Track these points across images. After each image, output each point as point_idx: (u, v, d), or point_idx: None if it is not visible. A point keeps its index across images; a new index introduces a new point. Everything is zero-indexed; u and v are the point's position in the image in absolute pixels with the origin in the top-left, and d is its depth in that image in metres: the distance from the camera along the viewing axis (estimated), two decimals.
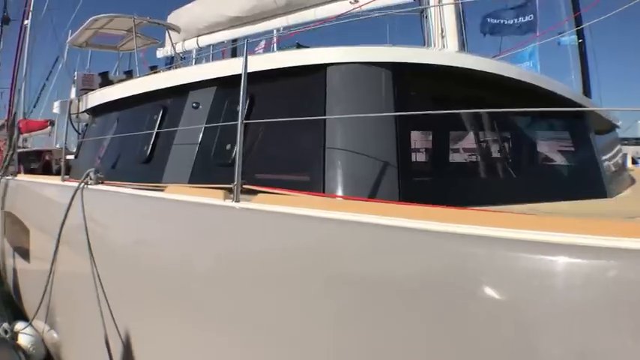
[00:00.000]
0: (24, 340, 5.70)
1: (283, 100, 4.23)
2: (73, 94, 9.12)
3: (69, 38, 9.66)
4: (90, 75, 9.35)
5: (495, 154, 4.25)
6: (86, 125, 8.13)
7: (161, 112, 5.36)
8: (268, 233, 2.78)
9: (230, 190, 3.09)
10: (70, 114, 9.27)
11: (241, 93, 3.20)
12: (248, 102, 4.34)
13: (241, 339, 2.77)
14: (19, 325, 5.90)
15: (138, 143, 5.42)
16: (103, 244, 3.98)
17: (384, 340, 2.07)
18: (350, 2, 9.48)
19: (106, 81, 8.61)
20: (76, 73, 9.25)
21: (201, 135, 4.61)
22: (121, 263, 3.77)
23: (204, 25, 10.80)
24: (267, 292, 2.64)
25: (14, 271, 6.84)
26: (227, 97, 4.53)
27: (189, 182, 4.10)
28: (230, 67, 4.53)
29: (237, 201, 3.00)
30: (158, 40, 10.33)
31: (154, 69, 9.55)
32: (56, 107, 9.73)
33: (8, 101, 21.91)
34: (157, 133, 5.25)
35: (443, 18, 8.24)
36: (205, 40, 11.17)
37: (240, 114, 3.15)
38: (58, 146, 19.33)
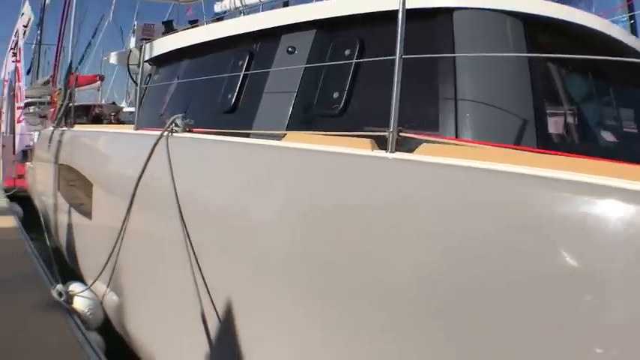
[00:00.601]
0: (80, 303, 5.18)
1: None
2: (132, 44, 8.53)
3: None
4: (150, 25, 8.76)
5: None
6: (149, 76, 7.53)
7: (247, 58, 4.72)
8: (433, 189, 2.10)
9: (377, 140, 2.44)
10: (129, 65, 8.75)
11: (399, 22, 2.51)
12: (358, 47, 3.74)
13: (411, 314, 2.09)
14: (75, 287, 5.38)
15: (219, 91, 4.80)
16: (196, 201, 3.36)
17: None
18: None
19: (170, 30, 7.97)
20: (135, 23, 8.64)
21: (299, 82, 3.98)
22: (221, 225, 3.14)
23: None
24: (433, 264, 1.98)
25: (70, 228, 6.30)
26: (329, 42, 3.98)
27: None
28: (334, 8, 4.00)
29: (393, 151, 2.33)
30: None
31: (193, 23, 8.89)
32: (113, 58, 9.17)
33: (54, 56, 21.74)
34: (242, 80, 4.62)
35: None
36: None
37: (398, 48, 2.48)
38: (104, 101, 19.08)
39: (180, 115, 3.75)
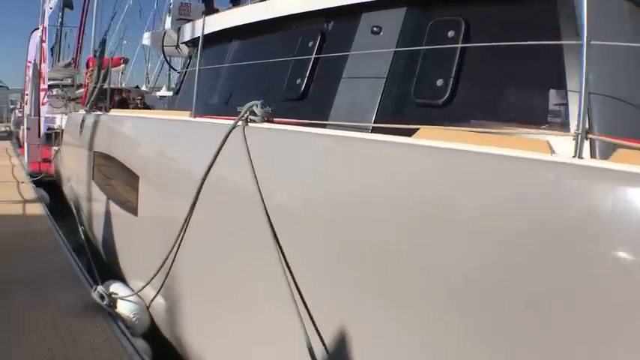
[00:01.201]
0: (125, 308, 4.71)
1: (506, 28, 3.18)
2: (167, 24, 8.01)
3: None
4: (187, 4, 8.20)
5: None
6: (189, 58, 6.99)
7: (318, 39, 4.19)
8: None
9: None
10: (163, 45, 8.23)
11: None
12: (463, 30, 3.23)
13: None
14: (117, 289, 4.91)
15: (284, 76, 4.28)
16: (279, 200, 2.86)
17: None
18: None
19: (211, 11, 7.42)
20: (171, 1, 8.09)
21: (389, 67, 3.46)
22: (316, 229, 2.64)
23: None
24: None
25: (108, 222, 5.81)
26: (426, 21, 3.47)
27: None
28: None
29: (580, 156, 1.81)
30: None
31: (235, 3, 8.35)
32: (146, 39, 8.64)
33: (77, 38, 21.30)
34: (313, 64, 4.10)
35: None
36: None
37: (584, 32, 1.96)
38: (123, 85, 18.61)
39: (257, 102, 3.23)
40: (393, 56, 3.48)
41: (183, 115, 4.32)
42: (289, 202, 2.88)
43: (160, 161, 4.37)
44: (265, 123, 3.25)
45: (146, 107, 10.77)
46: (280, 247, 2.72)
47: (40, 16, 11.73)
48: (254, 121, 3.24)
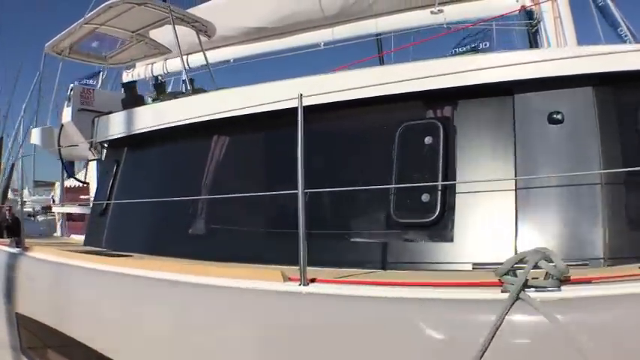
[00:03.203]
0: None
1: None
2: (66, 116, 6.04)
3: (50, 42, 6.49)
4: (88, 90, 6.34)
5: None
6: (116, 163, 5.07)
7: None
8: None
9: None
10: (60, 147, 6.16)
11: None
12: None
13: None
14: None
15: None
16: None
17: None
18: (432, 12, 7.42)
19: (132, 98, 5.67)
20: (71, 85, 6.19)
21: None
22: None
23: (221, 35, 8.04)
24: None
25: None
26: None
27: None
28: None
29: None
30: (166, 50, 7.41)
31: (158, 86, 6.74)
32: (35, 137, 6.47)
33: None
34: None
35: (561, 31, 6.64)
36: (217, 55, 8.44)
37: None
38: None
39: (544, 250, 1.82)
40: None
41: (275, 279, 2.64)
42: None
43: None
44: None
45: (17, 224, 8.14)
46: None
47: None
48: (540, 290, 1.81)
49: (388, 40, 8.28)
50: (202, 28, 6.78)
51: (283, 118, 3.20)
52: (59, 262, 3.90)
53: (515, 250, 2.77)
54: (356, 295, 2.30)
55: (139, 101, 5.52)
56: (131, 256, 3.95)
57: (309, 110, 2.68)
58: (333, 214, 3.55)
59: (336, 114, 3.44)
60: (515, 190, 2.88)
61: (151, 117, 4.40)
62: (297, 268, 2.50)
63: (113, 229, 4.78)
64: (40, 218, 12.88)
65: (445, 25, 7.39)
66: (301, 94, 2.63)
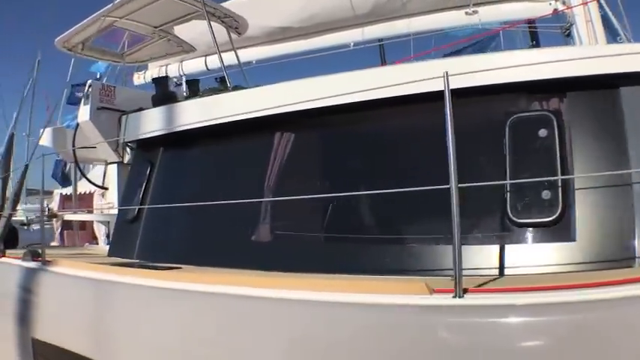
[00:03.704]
0: None
1: None
2: (84, 115, 5.46)
3: (61, 36, 5.90)
4: (110, 87, 5.75)
5: None
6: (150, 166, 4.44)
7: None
8: None
9: None
10: (74, 148, 5.55)
11: None
12: None
13: None
14: None
15: None
16: None
17: None
18: (466, 13, 7.11)
19: (165, 95, 5.10)
20: (89, 82, 5.59)
21: None
22: None
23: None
24: None
25: None
26: None
27: None
28: None
29: None
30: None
31: (191, 84, 6.12)
32: (46, 138, 5.86)
33: None
34: None
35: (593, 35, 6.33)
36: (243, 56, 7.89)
37: None
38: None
39: None
40: None
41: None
42: None
43: None
44: None
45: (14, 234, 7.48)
46: None
47: None
48: None
49: (419, 41, 7.90)
50: (234, 24, 6.20)
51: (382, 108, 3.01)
52: (97, 279, 3.30)
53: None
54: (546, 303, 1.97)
55: (173, 98, 4.95)
56: (180, 268, 3.37)
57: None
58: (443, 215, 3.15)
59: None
60: (632, 184, 2.76)
61: (200, 112, 3.84)
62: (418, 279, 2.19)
63: (148, 238, 4.20)
64: (34, 227, 12.18)
65: (480, 26, 7.24)
66: (447, 72, 2.24)
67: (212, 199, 3.42)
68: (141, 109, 4.80)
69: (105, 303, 3.18)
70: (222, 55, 7.83)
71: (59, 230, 10.57)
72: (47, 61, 11.38)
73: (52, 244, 9.61)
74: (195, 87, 5.16)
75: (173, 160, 4.33)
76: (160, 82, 5.17)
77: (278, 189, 3.48)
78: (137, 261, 4.00)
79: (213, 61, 8.02)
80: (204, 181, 4.00)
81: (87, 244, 8.94)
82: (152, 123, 4.34)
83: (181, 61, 8.34)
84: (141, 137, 4.43)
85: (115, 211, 5.81)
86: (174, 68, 8.41)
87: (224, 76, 5.46)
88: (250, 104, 3.44)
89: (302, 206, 3.37)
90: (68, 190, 13.67)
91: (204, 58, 8.16)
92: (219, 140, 3.88)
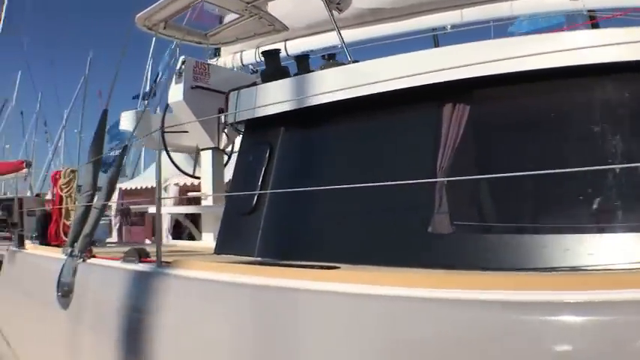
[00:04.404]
0: None
1: None
2: (176, 95, 4.87)
3: (142, 13, 5.28)
4: (203, 64, 5.17)
5: None
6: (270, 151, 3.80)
7: None
8: None
9: None
10: (163, 132, 4.94)
11: None
12: None
13: None
14: None
15: None
16: None
17: None
18: None
19: (277, 69, 4.47)
20: (182, 58, 5.00)
21: None
22: None
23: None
24: None
25: None
26: None
27: None
28: None
29: None
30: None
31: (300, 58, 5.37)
32: (126, 122, 5.29)
33: None
34: None
35: None
36: (322, 41, 7.28)
37: None
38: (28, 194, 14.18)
39: None
40: None
41: None
42: None
43: None
44: None
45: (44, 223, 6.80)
46: None
47: None
48: None
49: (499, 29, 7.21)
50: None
51: None
52: (273, 286, 2.64)
53: None
54: None
55: (286, 73, 4.32)
56: (338, 267, 2.71)
57: None
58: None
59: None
60: None
61: (347, 81, 3.18)
62: None
63: (274, 233, 3.56)
64: None
65: (585, 12, 6.56)
66: None
67: (357, 183, 2.75)
68: (254, 84, 4.18)
69: (289, 317, 2.52)
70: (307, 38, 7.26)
71: (117, 226, 10.09)
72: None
73: (109, 240, 9.11)
74: (305, 63, 4.52)
75: (305, 140, 3.69)
76: (271, 55, 4.53)
77: (453, 170, 2.80)
78: (257, 259, 3.38)
79: (294, 46, 7.44)
80: (355, 163, 3.34)
81: (147, 240, 8.43)
82: (274, 98, 3.70)
83: (257, 47, 7.73)
84: (262, 115, 3.79)
85: (209, 202, 5.24)
86: (249, 55, 7.79)
87: (333, 54, 4.86)
88: (426, 67, 2.78)
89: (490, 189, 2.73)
90: (129, 185, 13.29)
91: (283, 43, 7.54)
92: (374, 114, 3.23)
